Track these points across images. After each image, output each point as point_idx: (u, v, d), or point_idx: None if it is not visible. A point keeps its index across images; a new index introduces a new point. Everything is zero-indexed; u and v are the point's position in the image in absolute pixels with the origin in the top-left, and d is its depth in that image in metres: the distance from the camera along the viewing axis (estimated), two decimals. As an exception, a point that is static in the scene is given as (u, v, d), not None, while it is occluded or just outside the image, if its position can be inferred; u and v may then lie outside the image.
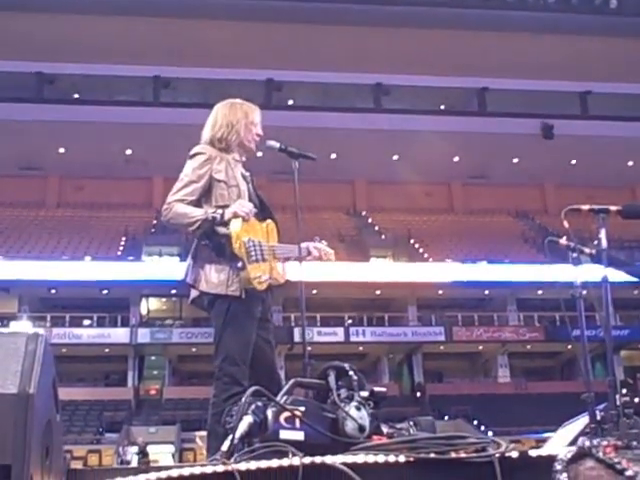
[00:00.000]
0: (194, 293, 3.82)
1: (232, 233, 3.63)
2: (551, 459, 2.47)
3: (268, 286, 3.76)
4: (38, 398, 1.97)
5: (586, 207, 3.99)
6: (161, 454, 25.45)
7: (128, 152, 36.25)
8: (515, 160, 38.53)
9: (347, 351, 30.89)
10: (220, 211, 3.70)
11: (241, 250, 3.63)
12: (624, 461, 1.29)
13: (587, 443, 1.32)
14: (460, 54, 33.79)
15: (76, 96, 35.71)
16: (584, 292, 4.50)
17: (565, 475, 1.25)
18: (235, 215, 3.67)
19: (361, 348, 33.43)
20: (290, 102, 36.77)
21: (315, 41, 32.98)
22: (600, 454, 1.31)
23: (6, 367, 1.99)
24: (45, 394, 2.09)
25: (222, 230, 3.66)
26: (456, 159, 38.26)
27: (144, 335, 31.86)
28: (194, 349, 31.34)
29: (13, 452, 1.89)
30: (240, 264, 3.62)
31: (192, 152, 3.86)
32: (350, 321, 34.07)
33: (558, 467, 1.27)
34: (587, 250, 4.49)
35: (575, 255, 4.45)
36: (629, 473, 1.26)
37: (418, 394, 33.23)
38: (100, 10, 31.46)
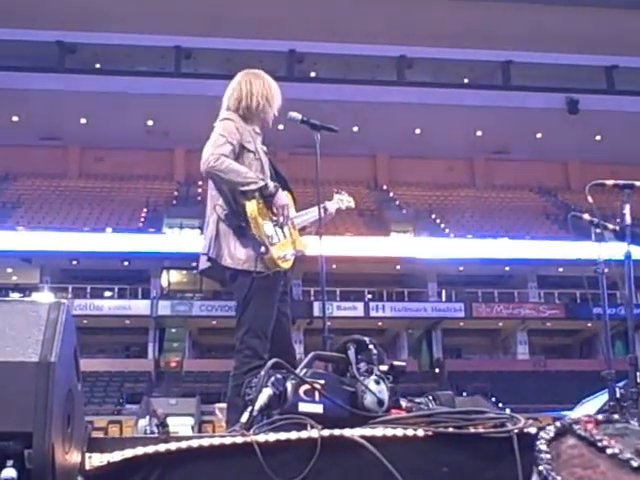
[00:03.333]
0: (204, 264, 3.79)
1: (249, 217, 3.61)
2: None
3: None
4: (59, 367, 1.98)
5: (611, 182, 3.95)
6: (181, 426, 25.66)
7: (149, 123, 36.30)
8: (539, 135, 38.20)
9: (367, 326, 30.93)
10: (275, 184, 3.72)
11: (261, 234, 3.61)
12: (605, 438, 1.26)
13: (568, 419, 1.30)
14: (485, 26, 33.47)
15: (97, 66, 35.76)
16: (606, 269, 4.47)
17: (547, 455, 1.23)
18: (278, 207, 3.68)
19: (380, 323, 33.46)
20: (312, 74, 36.63)
21: (338, 12, 32.77)
22: (581, 431, 1.28)
23: (27, 335, 2.00)
24: (66, 363, 2.11)
25: (240, 202, 3.66)
26: (479, 134, 38.00)
27: (165, 307, 32.04)
28: (214, 322, 31.50)
29: (34, 420, 1.91)
30: (263, 249, 3.58)
31: (223, 116, 3.82)
32: (370, 296, 34.05)
33: (540, 447, 1.25)
34: (610, 226, 4.45)
35: (598, 231, 4.42)
36: (610, 451, 1.24)
37: (437, 370, 33.27)
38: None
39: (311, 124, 3.99)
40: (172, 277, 35.48)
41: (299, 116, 3.97)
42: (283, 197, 3.71)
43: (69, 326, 2.10)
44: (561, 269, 32.47)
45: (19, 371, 1.94)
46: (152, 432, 22.37)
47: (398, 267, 34.00)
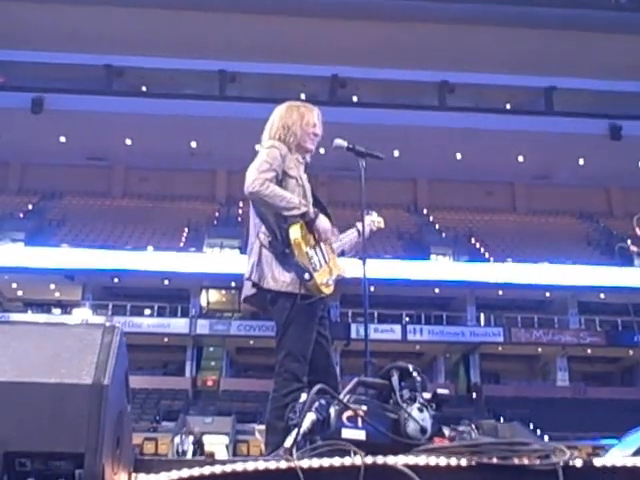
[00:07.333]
0: (249, 291, 3.80)
1: (293, 243, 3.62)
2: (615, 470, 2.45)
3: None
4: (111, 389, 2.03)
5: (658, 215, 3.93)
6: (216, 445, 25.67)
7: (193, 145, 36.65)
8: (581, 161, 37.86)
9: (404, 349, 30.79)
10: (315, 210, 3.74)
11: (304, 260, 3.61)
12: None
13: None
14: (527, 52, 33.37)
15: (144, 89, 36.24)
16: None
17: None
18: (320, 233, 3.71)
19: (418, 347, 33.26)
20: (354, 99, 36.74)
21: (380, 38, 32.87)
22: None
23: (82, 358, 2.06)
24: (118, 385, 2.15)
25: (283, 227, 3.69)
26: (520, 159, 37.78)
27: (203, 326, 32.21)
28: (252, 341, 31.58)
29: (86, 441, 1.95)
30: (307, 275, 3.58)
31: (267, 144, 3.83)
32: (408, 319, 33.88)
33: None
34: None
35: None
36: None
37: (474, 394, 32.95)
38: (169, 4, 31.90)
39: (357, 151, 3.98)
40: (211, 296, 35.65)
41: (345, 143, 3.98)
42: (324, 222, 3.73)
43: (122, 349, 2.16)
44: (602, 295, 32.04)
45: (73, 393, 1.98)
46: (184, 450, 22.44)
47: (437, 290, 33.81)
